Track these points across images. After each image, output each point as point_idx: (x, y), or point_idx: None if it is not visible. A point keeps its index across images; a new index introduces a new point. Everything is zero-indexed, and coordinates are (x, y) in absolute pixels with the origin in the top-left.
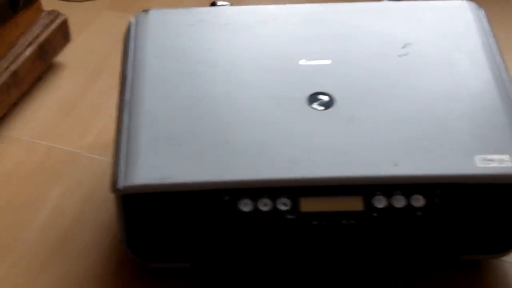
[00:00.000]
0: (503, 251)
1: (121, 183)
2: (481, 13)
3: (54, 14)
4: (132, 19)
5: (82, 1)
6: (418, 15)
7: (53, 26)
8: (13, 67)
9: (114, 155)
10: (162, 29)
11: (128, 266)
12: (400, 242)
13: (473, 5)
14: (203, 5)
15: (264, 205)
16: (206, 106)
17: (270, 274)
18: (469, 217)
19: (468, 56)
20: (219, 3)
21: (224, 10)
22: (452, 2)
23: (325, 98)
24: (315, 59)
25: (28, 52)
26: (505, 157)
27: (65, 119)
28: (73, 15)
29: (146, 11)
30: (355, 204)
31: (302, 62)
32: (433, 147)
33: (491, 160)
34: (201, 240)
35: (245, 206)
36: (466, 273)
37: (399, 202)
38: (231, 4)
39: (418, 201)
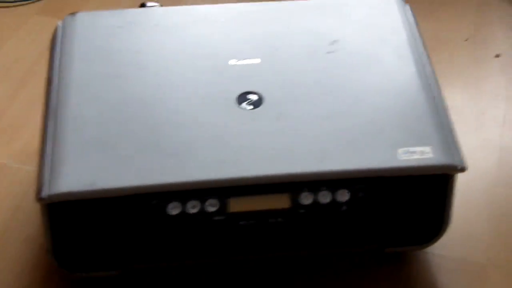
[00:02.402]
0: (427, 242)
1: (46, 192)
2: (407, 8)
3: None
4: (59, 22)
5: (10, 6)
6: (346, 11)
7: None
8: None
9: (39, 163)
10: (89, 31)
11: (56, 277)
12: (326, 237)
13: (399, 1)
14: (136, 7)
15: (193, 207)
16: (134, 110)
17: (199, 277)
18: (393, 210)
19: (394, 51)
20: (148, 4)
21: (153, 11)
22: None
23: (254, 97)
24: (245, 59)
25: None
26: (427, 148)
27: None
28: (0, 21)
29: (73, 14)
30: (282, 201)
31: (232, 62)
32: (358, 141)
33: (413, 152)
34: (130, 247)
35: (174, 209)
36: (391, 265)
37: (325, 197)
38: (162, 5)
39: (343, 195)
